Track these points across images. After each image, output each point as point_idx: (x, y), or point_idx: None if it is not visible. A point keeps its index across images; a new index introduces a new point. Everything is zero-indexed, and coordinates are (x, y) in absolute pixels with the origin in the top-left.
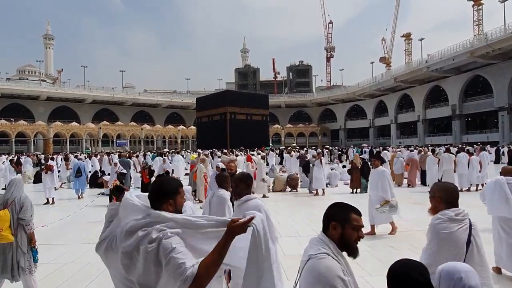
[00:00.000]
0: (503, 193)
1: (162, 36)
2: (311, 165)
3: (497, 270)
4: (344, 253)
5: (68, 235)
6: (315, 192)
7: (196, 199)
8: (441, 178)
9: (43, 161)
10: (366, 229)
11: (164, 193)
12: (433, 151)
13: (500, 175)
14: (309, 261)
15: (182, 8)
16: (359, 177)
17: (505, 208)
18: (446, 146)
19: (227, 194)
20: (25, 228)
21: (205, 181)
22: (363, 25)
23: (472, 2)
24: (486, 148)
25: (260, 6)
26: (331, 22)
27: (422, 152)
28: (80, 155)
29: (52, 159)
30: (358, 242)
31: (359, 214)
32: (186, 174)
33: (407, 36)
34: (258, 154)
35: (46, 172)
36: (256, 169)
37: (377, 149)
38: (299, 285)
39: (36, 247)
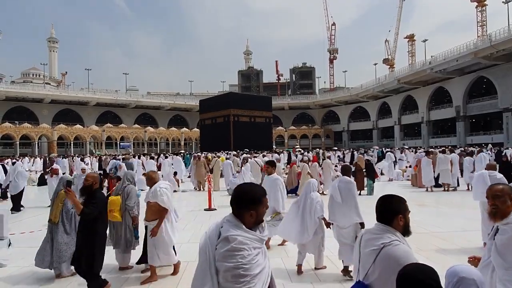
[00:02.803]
0: (485, 183)
1: (165, 39)
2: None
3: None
4: None
5: None
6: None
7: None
8: (437, 178)
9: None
10: (278, 241)
11: (246, 201)
12: (428, 153)
13: (486, 169)
14: (384, 248)
15: (186, 10)
16: (363, 179)
17: (483, 193)
18: (439, 149)
19: (352, 180)
20: (129, 212)
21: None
22: (366, 26)
23: (475, 3)
24: (483, 150)
25: (263, 9)
26: (334, 24)
27: (433, 154)
28: (118, 155)
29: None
30: None
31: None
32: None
33: (411, 38)
34: (264, 156)
35: (52, 176)
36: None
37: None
38: (373, 271)
39: (136, 227)
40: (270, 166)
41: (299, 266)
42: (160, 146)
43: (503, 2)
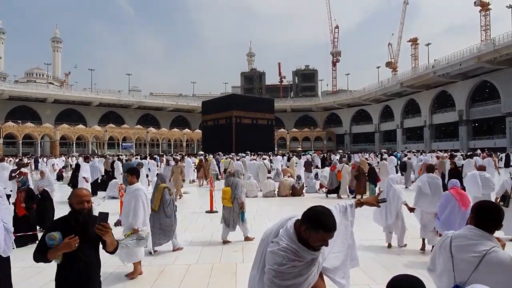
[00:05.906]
0: (476, 182)
1: (169, 40)
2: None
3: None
4: None
5: None
6: None
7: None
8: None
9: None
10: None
11: (326, 228)
12: (451, 156)
13: (477, 170)
14: (487, 256)
15: (190, 12)
16: (365, 183)
17: (475, 190)
18: (460, 152)
19: (439, 176)
20: (237, 199)
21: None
22: (369, 30)
23: (479, 8)
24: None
25: (267, 11)
26: (337, 27)
27: (440, 158)
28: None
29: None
30: None
31: None
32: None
33: (414, 41)
34: (264, 159)
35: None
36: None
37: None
38: (475, 277)
39: (244, 211)
40: (130, 174)
41: (389, 243)
42: (162, 147)
43: (507, 6)
